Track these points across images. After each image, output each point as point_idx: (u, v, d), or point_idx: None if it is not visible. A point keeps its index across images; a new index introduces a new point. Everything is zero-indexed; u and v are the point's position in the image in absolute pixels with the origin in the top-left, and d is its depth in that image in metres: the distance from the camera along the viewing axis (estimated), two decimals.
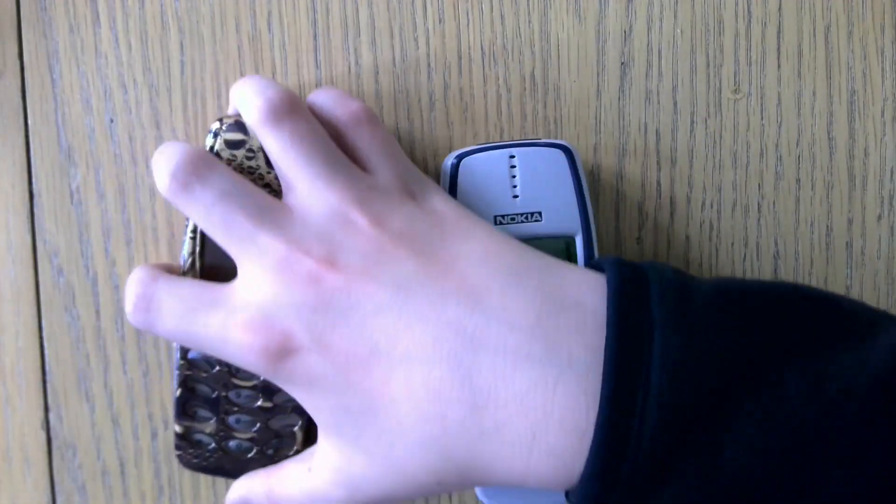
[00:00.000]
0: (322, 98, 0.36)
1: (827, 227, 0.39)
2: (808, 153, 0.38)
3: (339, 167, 0.33)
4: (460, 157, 0.36)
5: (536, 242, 0.36)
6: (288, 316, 0.31)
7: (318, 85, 0.39)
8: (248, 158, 0.34)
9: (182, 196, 0.33)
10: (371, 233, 0.32)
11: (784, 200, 0.39)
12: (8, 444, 0.41)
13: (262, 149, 0.34)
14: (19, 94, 0.39)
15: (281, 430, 0.37)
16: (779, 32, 0.38)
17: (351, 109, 0.35)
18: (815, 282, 0.39)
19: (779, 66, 0.38)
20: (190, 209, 0.33)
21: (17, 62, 0.39)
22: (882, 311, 0.32)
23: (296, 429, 0.37)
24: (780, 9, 0.38)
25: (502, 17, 0.38)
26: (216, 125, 0.35)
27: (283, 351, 0.31)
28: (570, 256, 0.36)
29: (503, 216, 0.36)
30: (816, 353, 0.29)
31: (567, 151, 0.36)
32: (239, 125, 0.35)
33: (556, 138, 0.38)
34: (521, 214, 0.36)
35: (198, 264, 0.35)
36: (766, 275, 0.39)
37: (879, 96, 0.38)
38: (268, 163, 0.34)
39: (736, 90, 0.38)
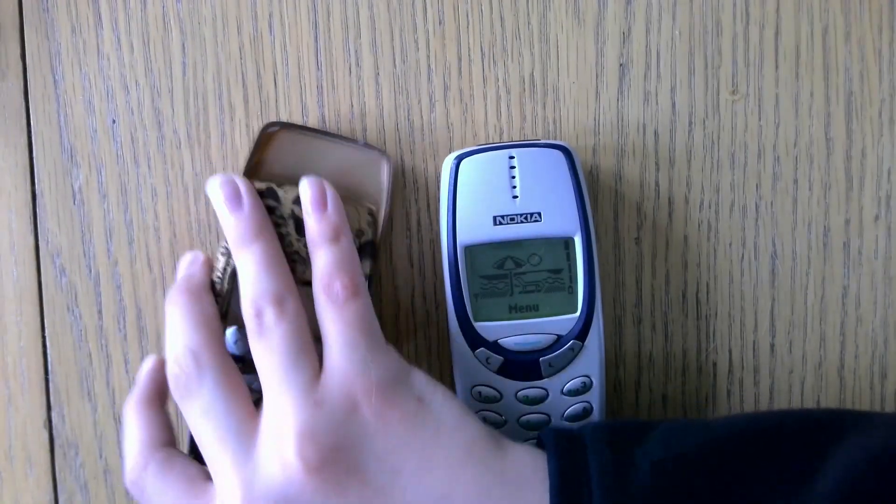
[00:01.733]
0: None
1: (824, 227, 0.39)
2: (806, 154, 0.39)
3: (301, 381, 0.32)
4: (460, 158, 0.36)
5: (536, 242, 0.36)
6: None
7: (318, 86, 0.39)
8: (279, 225, 0.35)
9: (183, 402, 0.34)
10: (309, 482, 0.31)
11: (782, 201, 0.39)
12: (10, 442, 0.41)
13: (292, 216, 0.35)
14: (22, 95, 0.39)
15: None
16: (777, 34, 0.38)
17: (330, 285, 0.34)
18: (813, 282, 0.39)
19: (777, 68, 0.38)
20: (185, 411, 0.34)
21: (20, 63, 0.39)
22: (838, 415, 0.34)
23: None
24: (777, 11, 0.38)
25: (502, 18, 0.38)
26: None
27: None
28: (569, 256, 0.36)
29: (503, 216, 0.36)
30: None
31: (566, 152, 0.36)
32: (271, 192, 0.35)
33: (555, 139, 0.39)
34: (521, 215, 0.36)
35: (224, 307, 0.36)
36: (764, 274, 0.39)
37: (877, 97, 0.38)
38: (297, 230, 0.35)
39: (734, 91, 0.38)
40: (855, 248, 0.39)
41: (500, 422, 0.37)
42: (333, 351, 0.33)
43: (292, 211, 0.35)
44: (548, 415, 0.37)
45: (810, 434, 0.32)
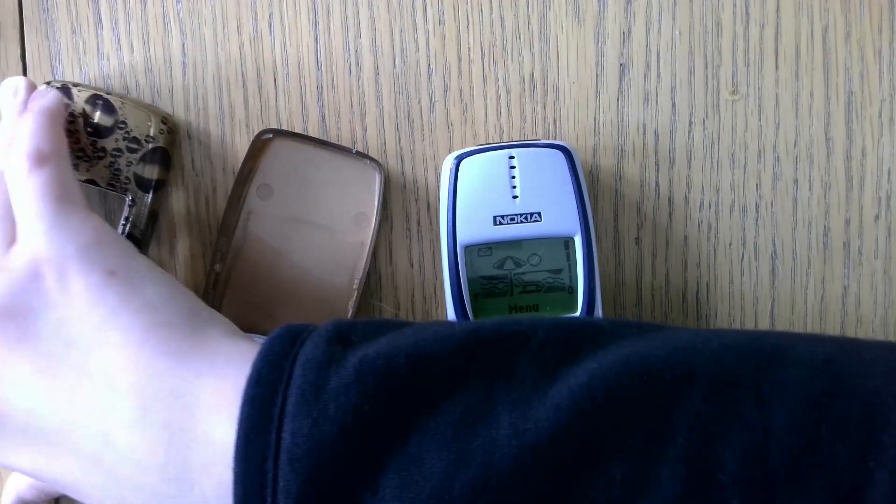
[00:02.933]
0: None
1: (825, 227, 0.39)
2: (806, 154, 0.39)
3: None
4: (460, 158, 0.36)
5: (536, 242, 0.36)
6: None
7: (318, 86, 0.39)
8: (69, 122, 0.36)
9: None
10: None
11: (782, 201, 0.39)
12: None
13: (82, 114, 0.36)
14: None
15: None
16: (777, 34, 0.38)
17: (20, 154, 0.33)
18: (813, 282, 0.39)
19: (777, 68, 0.38)
20: None
21: (20, 63, 0.39)
22: (602, 323, 0.30)
23: None
24: (778, 11, 0.38)
25: (502, 18, 0.38)
26: (44, 87, 0.36)
27: None
28: (569, 256, 0.36)
29: (503, 217, 0.36)
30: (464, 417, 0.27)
31: (566, 152, 0.36)
32: (65, 90, 0.36)
33: (555, 139, 0.39)
34: (521, 215, 0.36)
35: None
36: (764, 274, 0.39)
37: (877, 97, 0.38)
38: (85, 128, 0.36)
39: (734, 91, 0.38)
40: (855, 248, 0.39)
41: None
42: (22, 220, 0.32)
43: (83, 110, 0.36)
44: None
45: (563, 343, 0.29)
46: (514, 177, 0.36)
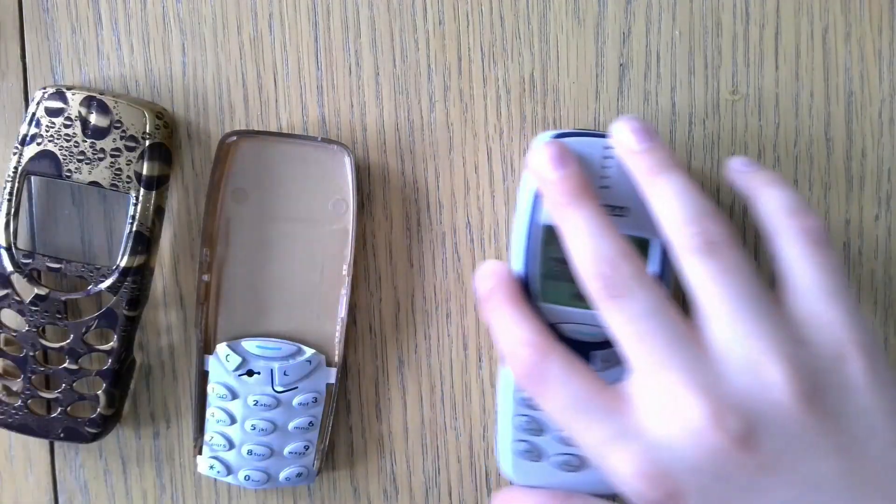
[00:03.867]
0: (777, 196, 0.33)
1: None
2: (806, 154, 0.39)
3: (768, 312, 0.30)
4: (557, 137, 0.35)
5: None
6: (683, 473, 0.29)
7: (318, 86, 0.39)
8: (66, 126, 0.36)
9: (609, 301, 0.31)
10: (796, 409, 0.28)
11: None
12: (10, 443, 0.41)
13: (79, 117, 0.36)
14: (22, 95, 0.40)
15: (85, 392, 0.38)
16: (777, 34, 0.38)
17: (807, 225, 0.32)
18: None
19: (777, 68, 0.38)
20: (609, 316, 0.31)
21: (20, 63, 0.39)
22: None
23: (99, 392, 0.38)
24: (777, 10, 0.38)
25: (502, 18, 0.38)
26: (39, 93, 0.36)
27: (664, 503, 0.29)
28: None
29: None
30: None
31: None
32: (60, 94, 0.36)
33: None
34: (607, 206, 0.35)
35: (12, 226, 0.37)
36: (763, 275, 0.39)
37: (877, 97, 0.38)
38: (84, 131, 0.36)
39: (734, 91, 0.38)
40: (855, 248, 0.39)
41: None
42: (818, 302, 0.31)
43: (79, 112, 0.36)
44: None
45: None
46: (607, 167, 0.35)
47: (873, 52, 0.38)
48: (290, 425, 0.38)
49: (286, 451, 0.38)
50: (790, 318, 0.30)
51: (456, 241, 0.39)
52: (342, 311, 0.38)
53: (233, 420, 0.38)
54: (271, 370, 0.38)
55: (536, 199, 0.35)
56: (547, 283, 0.35)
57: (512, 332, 0.33)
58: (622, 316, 0.30)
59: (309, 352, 0.38)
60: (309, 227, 0.38)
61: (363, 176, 0.39)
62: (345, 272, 0.38)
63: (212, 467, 0.39)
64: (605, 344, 0.35)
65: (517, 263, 0.36)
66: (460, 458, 0.40)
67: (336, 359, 0.39)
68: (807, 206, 0.33)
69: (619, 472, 0.29)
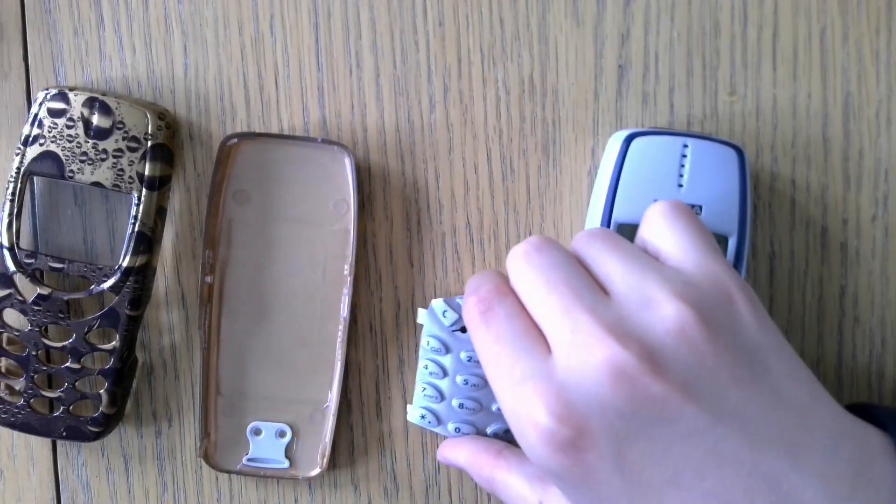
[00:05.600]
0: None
1: (822, 227, 0.39)
2: (804, 154, 0.39)
3: (657, 265, 0.31)
4: (633, 136, 0.36)
5: None
6: (592, 410, 0.29)
7: (319, 87, 0.39)
8: (69, 127, 0.36)
9: (515, 261, 0.33)
10: (696, 339, 0.29)
11: (780, 201, 0.39)
12: (13, 440, 0.41)
13: (81, 118, 0.36)
14: (24, 96, 0.40)
15: (87, 391, 0.38)
16: (774, 35, 0.38)
17: (665, 204, 0.33)
18: (811, 282, 0.39)
19: (774, 69, 0.38)
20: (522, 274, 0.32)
21: (22, 64, 0.40)
22: None
23: (101, 391, 0.38)
24: (775, 12, 0.38)
25: (501, 20, 0.39)
26: (41, 94, 0.36)
27: (570, 445, 0.29)
28: None
29: None
30: None
31: (739, 153, 0.36)
32: (62, 95, 0.36)
33: (553, 140, 0.39)
34: None
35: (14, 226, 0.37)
36: (762, 275, 0.39)
37: (874, 98, 0.39)
38: (86, 132, 0.36)
39: (732, 92, 0.39)
40: (853, 248, 0.39)
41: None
42: (690, 249, 0.31)
43: (81, 113, 0.36)
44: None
45: None
46: (683, 165, 0.35)
47: (871, 52, 0.38)
48: None
49: (494, 406, 0.39)
50: (676, 270, 0.31)
51: (456, 241, 0.40)
52: (344, 311, 0.39)
53: (444, 373, 0.39)
54: None
55: (612, 196, 0.36)
56: None
57: (484, 276, 0.34)
58: (531, 269, 0.32)
59: None
60: (310, 227, 0.39)
61: (364, 176, 0.39)
62: (346, 272, 0.38)
63: (423, 417, 0.39)
64: None
65: None
66: None
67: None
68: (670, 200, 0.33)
69: (530, 411, 0.30)
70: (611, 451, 0.29)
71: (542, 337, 0.31)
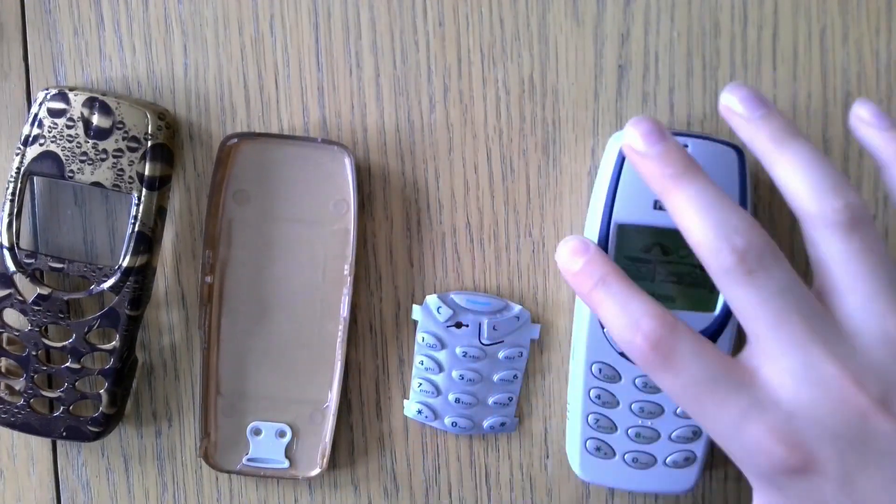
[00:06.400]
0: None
1: None
2: None
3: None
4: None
5: None
6: (822, 440, 0.29)
7: (319, 87, 0.39)
8: (69, 127, 0.36)
9: (742, 278, 0.30)
10: None
11: (780, 201, 0.39)
12: (13, 440, 0.41)
13: (81, 118, 0.36)
14: (24, 96, 0.40)
15: (87, 391, 0.38)
16: (774, 35, 0.38)
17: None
18: (810, 282, 0.39)
19: (774, 69, 0.39)
20: (742, 292, 0.30)
21: (22, 64, 0.40)
22: None
23: (101, 391, 0.38)
24: (776, 12, 0.38)
25: (501, 20, 0.39)
26: (41, 94, 0.36)
27: (801, 470, 0.29)
28: None
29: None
30: None
31: (739, 153, 0.36)
32: (62, 95, 0.36)
33: (553, 140, 0.39)
34: None
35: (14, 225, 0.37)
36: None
37: (874, 98, 0.39)
38: (86, 132, 0.36)
39: None
40: None
41: (612, 402, 0.37)
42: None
43: (81, 113, 0.36)
44: (660, 404, 0.37)
45: None
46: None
47: (871, 52, 0.38)
48: (495, 377, 0.39)
49: (490, 400, 0.39)
50: None
51: (456, 241, 0.40)
52: (344, 311, 0.39)
53: (440, 368, 0.39)
54: (480, 324, 0.39)
55: (612, 198, 0.36)
56: None
57: (633, 307, 0.31)
58: (758, 293, 0.30)
59: (516, 308, 0.39)
60: (310, 227, 0.39)
61: (364, 176, 0.39)
62: (346, 272, 0.39)
63: (419, 412, 0.40)
64: None
65: None
66: (460, 457, 0.41)
67: (537, 319, 0.40)
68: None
69: (757, 442, 0.30)
70: (840, 476, 0.29)
71: (734, 362, 0.31)
